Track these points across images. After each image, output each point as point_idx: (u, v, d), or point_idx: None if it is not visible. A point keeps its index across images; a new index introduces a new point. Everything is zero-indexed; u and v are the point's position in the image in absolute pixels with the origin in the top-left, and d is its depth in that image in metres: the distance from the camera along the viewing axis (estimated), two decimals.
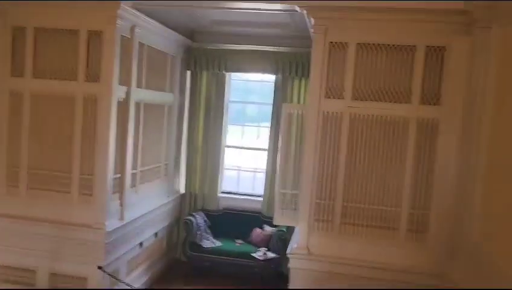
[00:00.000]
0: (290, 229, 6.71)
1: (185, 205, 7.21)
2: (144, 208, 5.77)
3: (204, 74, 7.05)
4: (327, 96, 4.34)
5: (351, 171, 4.36)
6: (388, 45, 4.22)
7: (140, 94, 5.48)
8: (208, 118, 7.10)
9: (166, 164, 6.59)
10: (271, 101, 6.93)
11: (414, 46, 4.17)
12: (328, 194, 4.40)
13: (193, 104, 7.13)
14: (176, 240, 7.10)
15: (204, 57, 6.87)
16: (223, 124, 7.15)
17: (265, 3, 4.31)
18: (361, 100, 4.29)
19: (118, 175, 5.12)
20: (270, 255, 6.18)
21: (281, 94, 6.77)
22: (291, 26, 6.15)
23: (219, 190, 7.25)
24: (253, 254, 6.21)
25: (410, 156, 4.24)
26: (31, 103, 4.88)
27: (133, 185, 5.53)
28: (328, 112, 4.35)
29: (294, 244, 4.55)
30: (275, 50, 6.66)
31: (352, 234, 4.37)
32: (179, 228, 7.11)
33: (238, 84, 7.40)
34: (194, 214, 6.77)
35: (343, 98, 4.32)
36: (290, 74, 6.65)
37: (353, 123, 4.33)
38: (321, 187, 4.41)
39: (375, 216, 4.33)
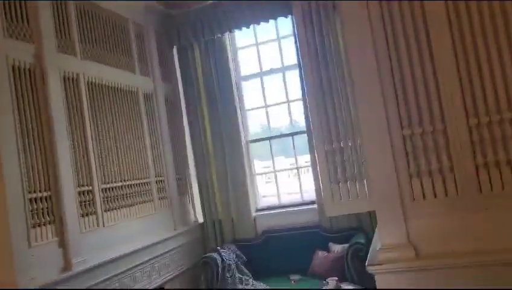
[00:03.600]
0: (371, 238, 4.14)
1: (210, 239, 4.86)
2: (122, 248, 3.52)
3: (196, 46, 4.96)
4: None
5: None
6: None
7: (75, 65, 3.44)
8: (214, 107, 4.90)
9: (160, 181, 4.38)
10: (295, 60, 4.64)
11: None
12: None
13: (189, 92, 4.99)
14: None
15: (190, 24, 4.81)
16: (237, 110, 4.91)
17: None
18: None
19: (46, 193, 2.98)
20: (347, 287, 3.57)
21: None
22: None
23: (253, 207, 4.86)
24: None
25: None
26: None
27: (90, 212, 3.35)
28: None
29: (378, 245, 2.03)
30: None
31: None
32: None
33: (249, 53, 5.17)
34: (218, 249, 4.38)
35: None
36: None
37: None
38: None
39: None
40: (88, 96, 3.53)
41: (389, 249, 1.88)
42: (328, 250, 4.20)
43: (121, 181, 3.76)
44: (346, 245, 4.01)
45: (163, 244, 4.10)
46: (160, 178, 4.40)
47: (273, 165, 4.95)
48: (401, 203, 1.90)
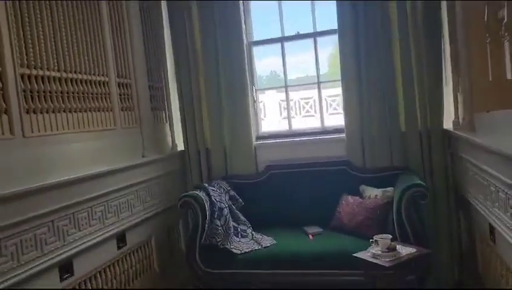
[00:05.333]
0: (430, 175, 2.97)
1: (193, 173, 3.57)
2: (55, 174, 2.19)
3: None
4: None
5: None
6: None
7: None
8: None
9: (124, 85, 3.00)
10: None
11: None
12: None
13: None
14: (177, 247, 3.49)
15: None
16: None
17: None
18: None
19: None
20: (404, 250, 2.35)
21: None
22: None
23: (254, 133, 3.56)
24: (359, 254, 2.39)
25: None
26: None
27: None
28: None
29: None
30: None
31: None
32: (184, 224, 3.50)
33: None
34: (206, 186, 3.10)
35: None
36: None
37: None
38: None
39: None
40: None
41: None
42: (360, 195, 2.99)
43: (57, 70, 2.36)
44: (389, 189, 2.81)
45: (125, 174, 2.78)
46: (125, 80, 3.01)
47: (285, 74, 3.58)
48: None
